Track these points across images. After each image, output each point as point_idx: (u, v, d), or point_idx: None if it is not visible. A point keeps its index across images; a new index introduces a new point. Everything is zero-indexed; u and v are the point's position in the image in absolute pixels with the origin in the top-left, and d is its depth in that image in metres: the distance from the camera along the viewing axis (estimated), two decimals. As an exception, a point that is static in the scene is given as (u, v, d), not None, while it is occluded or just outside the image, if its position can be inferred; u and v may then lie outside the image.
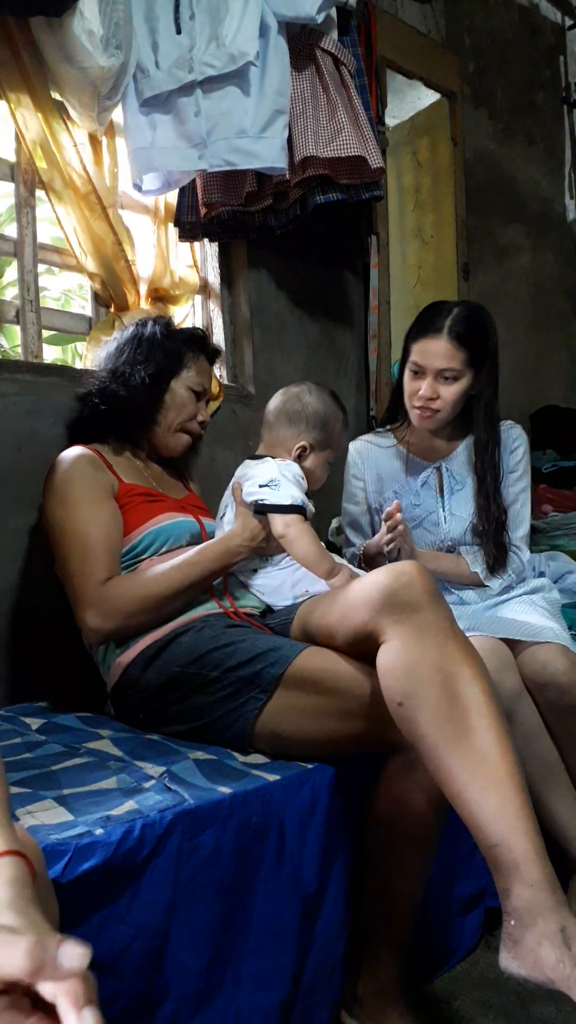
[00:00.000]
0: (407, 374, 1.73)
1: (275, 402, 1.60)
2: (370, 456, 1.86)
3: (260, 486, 1.48)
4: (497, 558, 1.73)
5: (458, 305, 1.72)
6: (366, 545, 1.73)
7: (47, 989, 0.45)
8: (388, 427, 1.90)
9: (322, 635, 1.30)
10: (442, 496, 1.81)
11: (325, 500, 1.68)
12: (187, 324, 2.12)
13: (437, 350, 1.65)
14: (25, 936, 0.46)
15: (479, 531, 1.75)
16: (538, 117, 3.41)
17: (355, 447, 1.90)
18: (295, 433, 1.55)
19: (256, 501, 1.47)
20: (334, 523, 2.31)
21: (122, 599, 1.36)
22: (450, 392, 1.67)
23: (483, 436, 1.75)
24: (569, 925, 0.90)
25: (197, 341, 1.71)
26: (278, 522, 1.45)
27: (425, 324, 1.70)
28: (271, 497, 1.46)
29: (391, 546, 1.59)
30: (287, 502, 1.46)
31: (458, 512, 1.78)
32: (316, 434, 1.55)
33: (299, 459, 1.56)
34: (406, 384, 1.74)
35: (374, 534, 1.83)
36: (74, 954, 0.46)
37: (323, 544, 1.48)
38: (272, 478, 1.48)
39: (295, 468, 1.53)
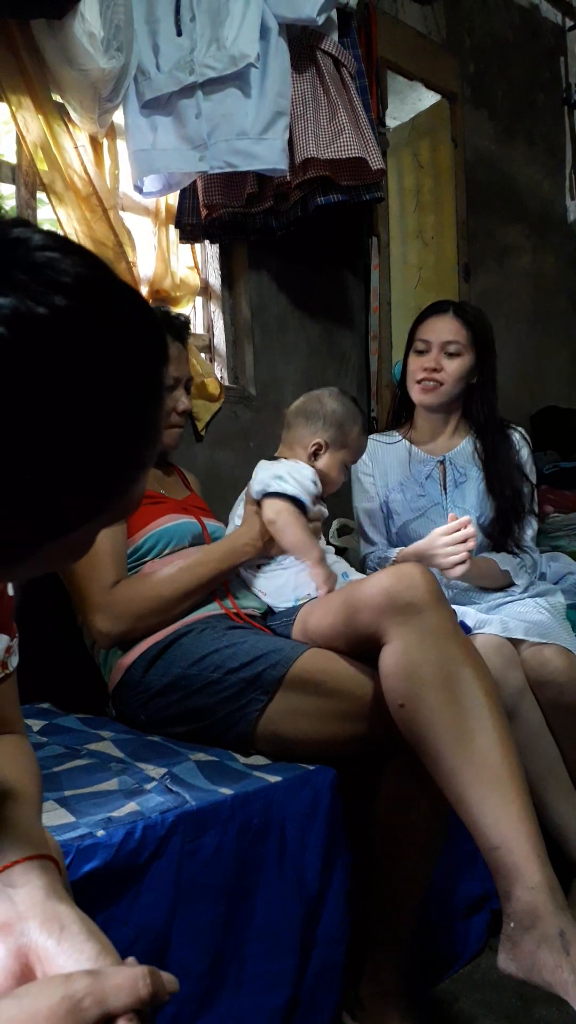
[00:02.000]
0: (412, 356, 1.83)
1: (296, 403, 1.65)
2: (376, 452, 1.90)
3: (269, 480, 1.49)
4: (510, 534, 1.77)
5: (458, 300, 1.86)
6: (403, 553, 1.67)
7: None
8: (391, 429, 1.96)
9: (324, 637, 1.30)
10: (445, 491, 1.84)
11: (329, 501, 1.68)
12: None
13: (443, 325, 1.79)
14: (135, 969, 0.45)
15: (495, 514, 1.78)
16: (538, 118, 3.41)
17: None
18: (312, 431, 1.58)
19: (260, 491, 1.48)
20: (335, 524, 2.31)
21: (132, 602, 1.36)
22: (454, 366, 1.78)
23: (481, 419, 1.84)
24: (568, 930, 0.90)
25: None
26: (269, 508, 1.45)
27: (431, 309, 1.86)
28: (274, 485, 1.48)
29: (457, 571, 1.52)
30: (284, 491, 1.47)
31: (462, 504, 1.81)
32: (332, 433, 1.57)
33: (314, 457, 1.57)
34: (410, 364, 1.84)
35: (388, 531, 1.87)
36: (173, 983, 0.46)
37: (314, 538, 1.47)
38: (279, 474, 1.50)
39: (308, 471, 1.54)
